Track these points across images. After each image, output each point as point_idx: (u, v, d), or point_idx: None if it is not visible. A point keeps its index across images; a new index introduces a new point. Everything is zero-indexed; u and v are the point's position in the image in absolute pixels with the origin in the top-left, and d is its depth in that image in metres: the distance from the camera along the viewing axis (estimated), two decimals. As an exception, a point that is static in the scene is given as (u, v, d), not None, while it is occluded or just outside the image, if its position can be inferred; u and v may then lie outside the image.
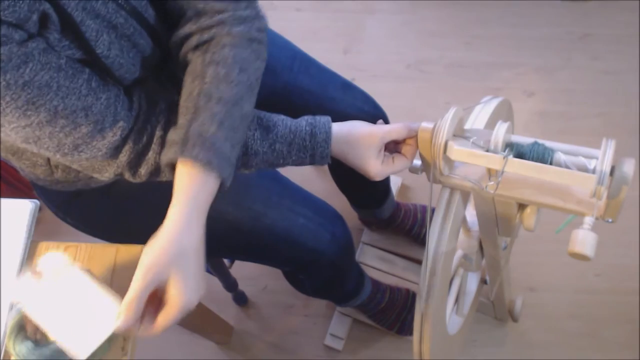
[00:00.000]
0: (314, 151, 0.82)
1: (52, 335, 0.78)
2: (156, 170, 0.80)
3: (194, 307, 0.72)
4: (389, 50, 1.97)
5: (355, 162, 0.84)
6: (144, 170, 0.79)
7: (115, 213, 1.01)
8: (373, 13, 2.04)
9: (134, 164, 0.79)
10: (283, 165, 0.84)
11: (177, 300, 0.70)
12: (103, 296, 0.78)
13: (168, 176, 0.78)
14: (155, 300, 0.72)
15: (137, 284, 0.69)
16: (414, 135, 0.83)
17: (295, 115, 0.86)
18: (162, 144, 0.78)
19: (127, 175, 0.80)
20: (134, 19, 0.75)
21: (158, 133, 0.78)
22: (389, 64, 1.93)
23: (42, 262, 0.80)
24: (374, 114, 1.16)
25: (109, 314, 0.77)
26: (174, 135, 0.75)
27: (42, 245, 0.92)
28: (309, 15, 2.05)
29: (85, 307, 0.78)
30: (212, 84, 0.76)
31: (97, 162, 0.78)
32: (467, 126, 0.85)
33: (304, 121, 0.83)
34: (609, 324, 1.53)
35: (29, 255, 0.91)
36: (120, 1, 0.73)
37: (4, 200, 0.93)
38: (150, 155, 0.78)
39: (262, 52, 0.83)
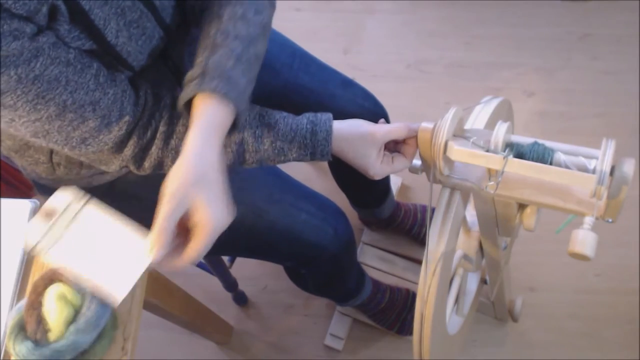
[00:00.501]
0: (315, 149, 0.83)
1: (82, 279, 0.72)
2: (159, 164, 0.81)
3: (225, 229, 0.70)
4: (389, 50, 1.97)
5: (355, 161, 0.85)
6: (147, 164, 0.81)
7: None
8: (373, 13, 2.04)
9: (139, 158, 0.80)
10: (284, 161, 0.85)
11: (205, 222, 0.68)
12: (125, 231, 0.74)
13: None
14: (184, 232, 0.70)
15: (163, 212, 0.67)
16: (414, 135, 0.83)
17: (296, 112, 0.87)
18: (165, 139, 0.80)
19: (132, 168, 0.82)
20: (140, 2, 0.75)
21: (162, 128, 0.80)
22: (389, 64, 1.93)
23: (52, 201, 0.75)
24: (374, 110, 1.16)
25: (137, 249, 0.72)
26: (192, 73, 0.76)
27: (42, 245, 0.92)
28: (309, 15, 2.05)
29: (109, 245, 0.73)
30: (229, 22, 0.79)
31: (104, 154, 0.79)
32: (467, 126, 0.85)
33: (305, 119, 0.84)
34: (609, 324, 1.53)
35: (29, 255, 0.91)
36: None
37: (4, 200, 0.93)
38: (154, 150, 0.80)
39: None
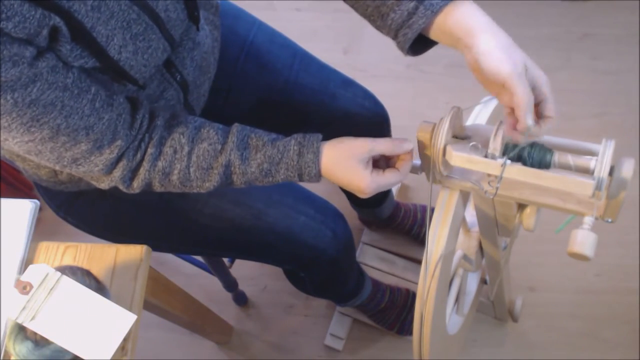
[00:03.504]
0: (302, 171, 0.81)
1: (65, 347, 0.78)
2: (147, 184, 0.82)
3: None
4: (389, 50, 1.95)
5: (343, 177, 0.80)
6: (136, 184, 0.81)
7: (115, 213, 1.01)
8: (373, 13, 2.04)
9: (127, 179, 0.80)
10: (272, 182, 0.83)
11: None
12: (101, 300, 0.80)
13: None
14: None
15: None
16: (401, 153, 0.80)
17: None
18: (153, 160, 0.80)
19: (122, 188, 0.82)
20: (146, 15, 0.75)
21: (149, 150, 0.79)
22: (389, 64, 1.93)
23: (27, 275, 0.80)
24: (374, 110, 1.16)
25: (113, 315, 0.78)
26: (403, 9, 0.79)
27: (42, 245, 0.92)
28: (309, 15, 2.05)
29: (88, 313, 0.79)
30: None
31: (94, 173, 0.80)
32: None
33: (294, 140, 0.81)
34: (609, 324, 1.53)
35: (29, 255, 0.91)
36: None
37: (4, 200, 0.93)
38: (141, 172, 0.80)
39: None
